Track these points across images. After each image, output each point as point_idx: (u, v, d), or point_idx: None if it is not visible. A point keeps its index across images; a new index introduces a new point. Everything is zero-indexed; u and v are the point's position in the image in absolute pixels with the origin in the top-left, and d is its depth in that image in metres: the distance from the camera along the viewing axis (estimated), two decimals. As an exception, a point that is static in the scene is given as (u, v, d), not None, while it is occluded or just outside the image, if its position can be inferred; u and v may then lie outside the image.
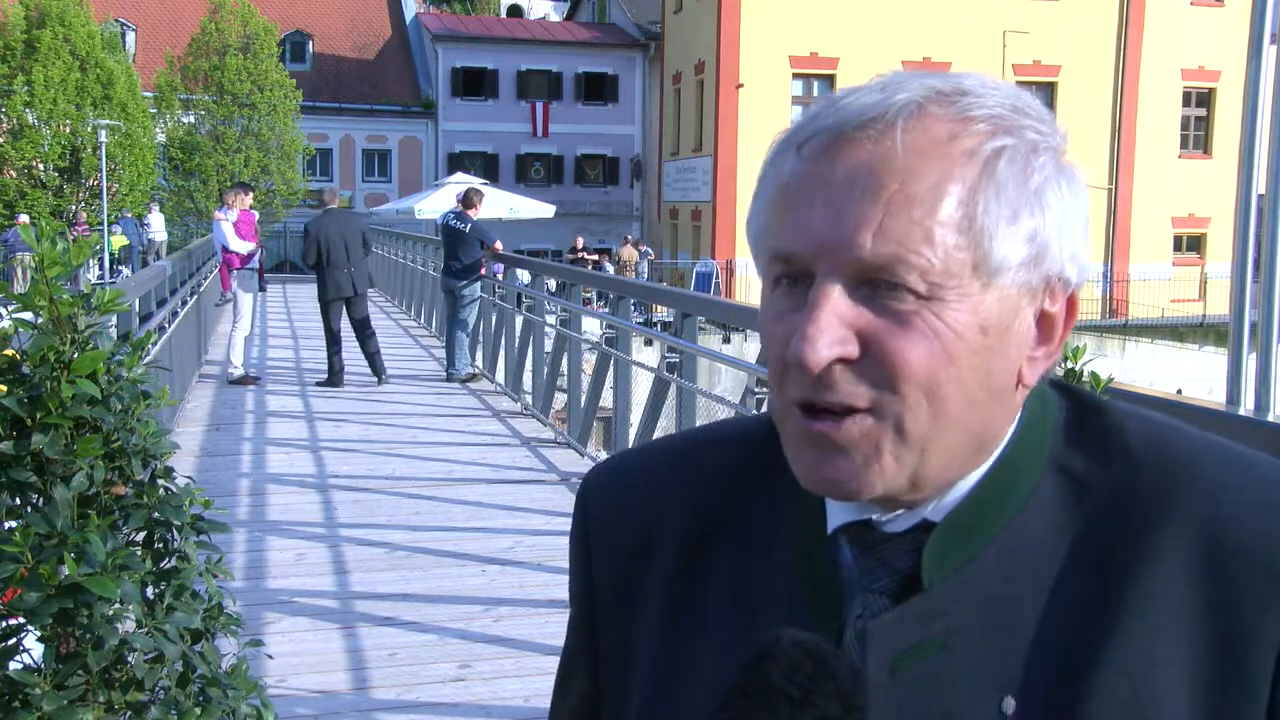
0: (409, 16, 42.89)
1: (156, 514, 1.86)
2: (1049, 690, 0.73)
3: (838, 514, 0.80)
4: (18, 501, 1.77)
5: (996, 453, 0.77)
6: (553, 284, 11.21)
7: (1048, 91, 33.16)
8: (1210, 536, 0.73)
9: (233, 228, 11.25)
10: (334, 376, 11.23)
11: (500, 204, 24.20)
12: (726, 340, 21.68)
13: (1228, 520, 0.73)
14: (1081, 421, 0.80)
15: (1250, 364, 3.02)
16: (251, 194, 12.11)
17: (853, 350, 0.71)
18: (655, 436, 7.30)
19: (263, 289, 12.29)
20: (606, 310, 8.92)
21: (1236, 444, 0.78)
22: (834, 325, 0.71)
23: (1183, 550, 0.73)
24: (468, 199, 11.45)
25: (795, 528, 0.82)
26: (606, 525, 0.90)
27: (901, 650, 0.75)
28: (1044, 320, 0.76)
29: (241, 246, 11.27)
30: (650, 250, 32.90)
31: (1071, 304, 0.77)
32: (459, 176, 25.25)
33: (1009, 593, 0.75)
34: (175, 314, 9.69)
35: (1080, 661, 0.73)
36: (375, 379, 11.27)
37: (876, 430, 0.72)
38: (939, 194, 0.71)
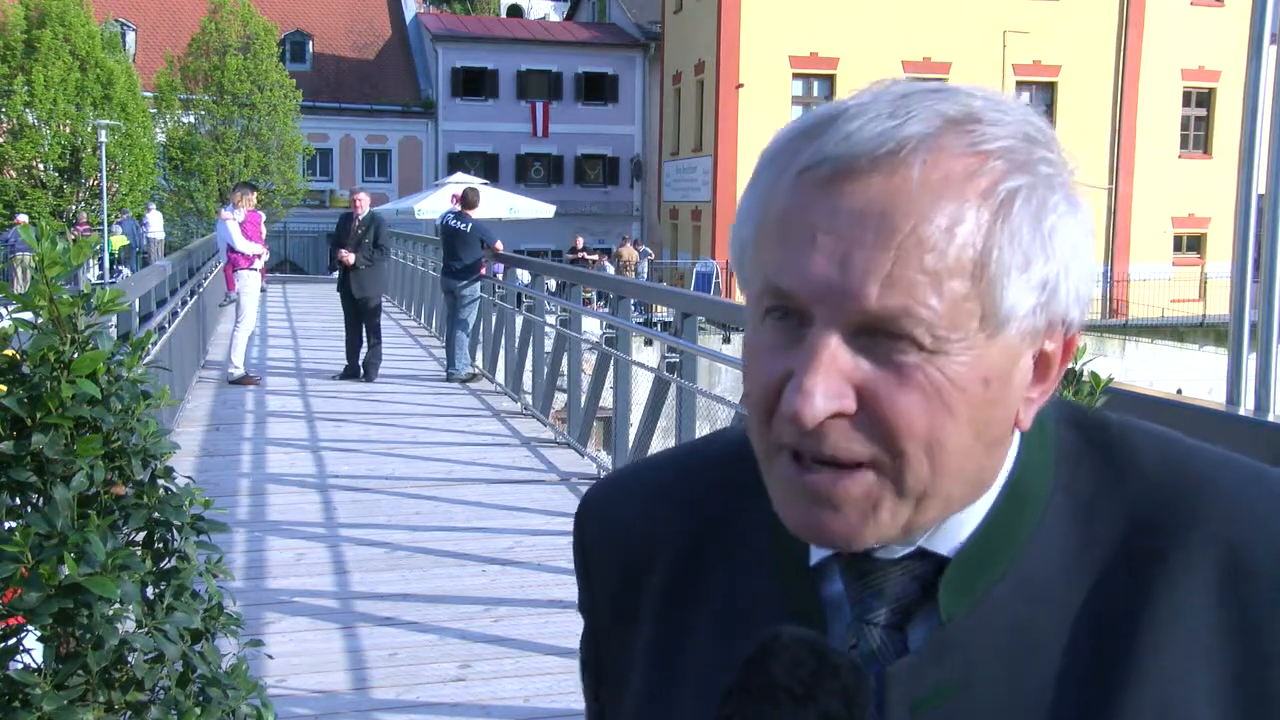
0: (409, 16, 42.89)
1: (156, 514, 1.86)
2: None
3: None
4: (18, 501, 1.77)
5: (999, 481, 0.75)
6: (553, 284, 11.21)
7: (1048, 91, 33.17)
8: (1229, 557, 0.72)
9: (239, 228, 11.25)
10: (373, 370, 11.51)
11: (500, 204, 24.19)
12: (726, 340, 21.66)
13: (1245, 540, 0.72)
14: (1085, 439, 0.78)
15: (1250, 364, 3.02)
16: (255, 193, 12.13)
17: (850, 405, 0.68)
18: (655, 437, 7.33)
19: (264, 289, 12.31)
20: (606, 310, 8.92)
21: (1242, 456, 0.77)
22: (833, 379, 0.68)
23: (1202, 571, 0.72)
24: (467, 199, 11.46)
25: (779, 553, 0.80)
26: (601, 545, 0.90)
27: (922, 693, 0.73)
28: (1041, 360, 0.73)
29: (247, 247, 11.26)
30: (650, 250, 32.90)
31: (1069, 344, 0.74)
32: (459, 176, 25.24)
33: (1027, 621, 0.73)
34: (175, 314, 9.69)
35: (1106, 689, 0.72)
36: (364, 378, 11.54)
37: (876, 487, 0.70)
38: (951, 239, 0.67)
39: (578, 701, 4.27)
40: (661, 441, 7.64)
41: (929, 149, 0.68)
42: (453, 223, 11.46)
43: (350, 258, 11.21)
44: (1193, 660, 0.71)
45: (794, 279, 0.69)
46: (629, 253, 29.64)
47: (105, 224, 26.30)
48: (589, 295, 11.33)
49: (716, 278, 28.86)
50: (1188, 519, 0.73)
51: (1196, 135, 34.93)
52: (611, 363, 8.32)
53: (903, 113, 0.69)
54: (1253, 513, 0.73)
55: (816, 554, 0.78)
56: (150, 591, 1.84)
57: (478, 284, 11.60)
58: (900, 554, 0.75)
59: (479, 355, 12.38)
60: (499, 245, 11.51)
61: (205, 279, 14.19)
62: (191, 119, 32.43)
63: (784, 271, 0.70)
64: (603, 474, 7.67)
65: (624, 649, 0.87)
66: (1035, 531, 0.75)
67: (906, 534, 0.73)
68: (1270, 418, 2.82)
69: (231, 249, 11.34)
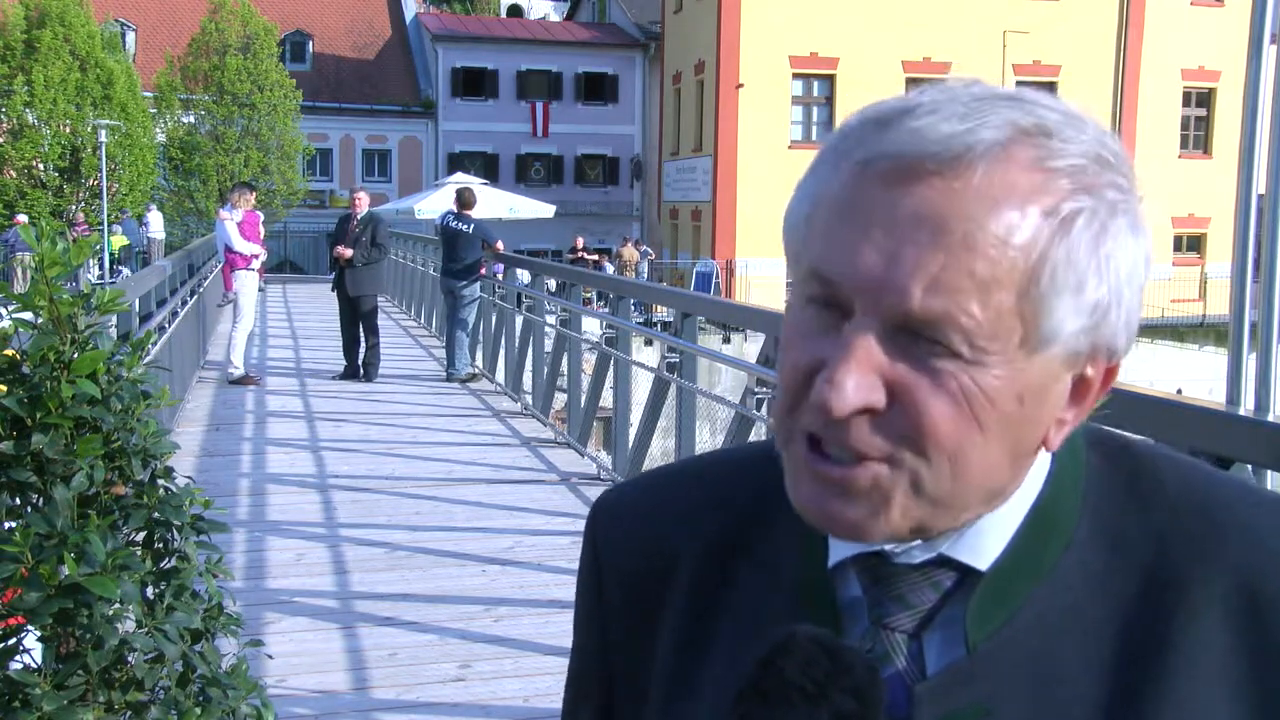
0: (409, 16, 42.88)
1: (156, 514, 1.86)
2: None
3: (842, 546, 0.78)
4: (18, 501, 1.77)
5: (1029, 501, 0.75)
6: (553, 284, 11.21)
7: (1048, 91, 33.18)
8: (1251, 587, 0.72)
9: (237, 228, 11.24)
10: (373, 370, 11.51)
11: (500, 204, 24.18)
12: (726, 340, 21.68)
13: (1265, 571, 0.72)
14: (1113, 466, 0.78)
15: (1250, 364, 3.02)
16: (254, 194, 12.12)
17: (879, 401, 0.67)
18: (655, 437, 7.32)
19: (261, 289, 12.30)
20: (606, 310, 8.92)
21: (1263, 487, 0.79)
22: (865, 373, 0.67)
23: (1223, 601, 0.72)
24: (465, 199, 11.44)
25: (798, 558, 0.80)
26: (616, 555, 0.89)
27: (949, 713, 0.73)
28: (1080, 383, 0.72)
29: (245, 248, 11.25)
30: (650, 250, 32.89)
31: (1110, 372, 0.73)
32: (459, 176, 25.21)
33: (1051, 648, 0.73)
34: (175, 314, 9.69)
35: (1129, 717, 0.72)
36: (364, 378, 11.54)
37: (890, 480, 0.69)
38: (1004, 250, 0.66)
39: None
40: (661, 441, 7.64)
41: (995, 158, 0.67)
42: (453, 223, 11.45)
43: (347, 253, 11.17)
44: (1216, 689, 0.71)
45: (840, 269, 0.69)
46: (629, 253, 29.62)
47: (105, 224, 26.30)
48: (589, 295, 11.33)
49: (716, 278, 28.85)
50: (1209, 549, 0.74)
51: (1196, 135, 34.93)
52: (611, 363, 8.32)
53: (975, 117, 0.68)
54: (1272, 543, 0.74)
55: (835, 556, 0.78)
56: (150, 591, 1.84)
57: (478, 284, 11.60)
58: (920, 559, 0.75)
59: (479, 355, 12.38)
60: (500, 245, 11.51)
61: (205, 279, 14.19)
62: (191, 119, 32.42)
63: (831, 260, 0.69)
64: (603, 474, 7.70)
65: (641, 661, 0.86)
66: (1063, 558, 0.75)
67: (918, 535, 0.72)
68: (1270, 418, 2.82)
69: (229, 249, 11.34)
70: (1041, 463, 0.76)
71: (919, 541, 0.74)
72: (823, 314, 0.70)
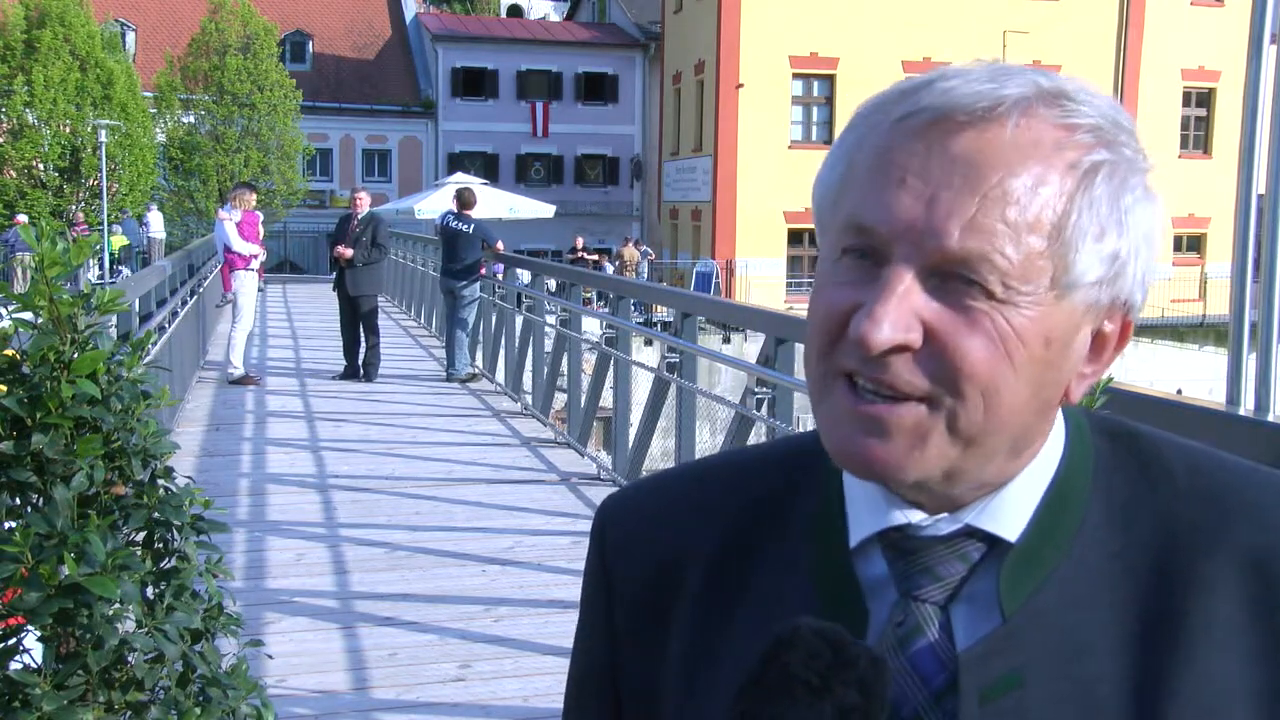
0: (409, 16, 42.88)
1: (156, 514, 1.86)
2: None
3: (865, 523, 0.79)
4: (18, 501, 1.77)
5: (1048, 477, 0.77)
6: (553, 284, 11.21)
7: (1048, 91, 33.12)
8: (1261, 565, 0.74)
9: (236, 228, 11.24)
10: (373, 370, 11.49)
11: (500, 204, 24.17)
12: (726, 340, 21.68)
13: (1273, 548, 0.74)
14: (1120, 449, 0.80)
15: (1250, 364, 3.02)
16: (255, 194, 12.12)
17: (916, 339, 0.70)
18: (655, 437, 7.33)
19: (261, 289, 12.29)
20: (606, 310, 8.92)
21: (1267, 468, 0.80)
22: (903, 311, 0.70)
23: (1235, 579, 0.74)
24: (465, 199, 11.44)
25: (813, 549, 0.81)
26: (623, 558, 0.89)
27: (989, 681, 0.74)
28: (1097, 339, 0.76)
29: (244, 248, 11.25)
30: (650, 250, 32.89)
31: (1125, 327, 0.77)
32: (459, 176, 25.20)
33: (1074, 622, 0.75)
34: (175, 314, 9.68)
35: (1151, 694, 0.73)
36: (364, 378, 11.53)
37: (929, 420, 0.72)
38: (1034, 197, 0.70)
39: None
40: (661, 441, 7.65)
41: (1023, 112, 0.72)
42: (453, 224, 11.45)
43: (347, 253, 11.16)
44: (1231, 665, 0.73)
45: (880, 215, 0.72)
46: (630, 253, 29.61)
47: (105, 224, 26.29)
48: (589, 295, 11.33)
49: (716, 278, 28.85)
50: (1217, 529, 0.75)
51: (1196, 135, 34.92)
52: (611, 363, 8.32)
53: (1001, 77, 0.73)
54: (1279, 521, 0.75)
55: (857, 535, 0.79)
56: (150, 591, 1.84)
57: (478, 284, 11.60)
58: (947, 531, 0.76)
59: (479, 355, 12.38)
60: (500, 245, 11.51)
61: (205, 279, 14.18)
62: (191, 119, 32.41)
63: (870, 208, 0.72)
64: (603, 474, 7.71)
65: (653, 659, 0.86)
66: (1078, 534, 0.77)
67: (947, 480, 0.74)
68: (1270, 418, 2.82)
69: (229, 249, 11.34)
70: (1056, 444, 0.78)
71: (944, 516, 0.76)
72: (859, 263, 0.73)
